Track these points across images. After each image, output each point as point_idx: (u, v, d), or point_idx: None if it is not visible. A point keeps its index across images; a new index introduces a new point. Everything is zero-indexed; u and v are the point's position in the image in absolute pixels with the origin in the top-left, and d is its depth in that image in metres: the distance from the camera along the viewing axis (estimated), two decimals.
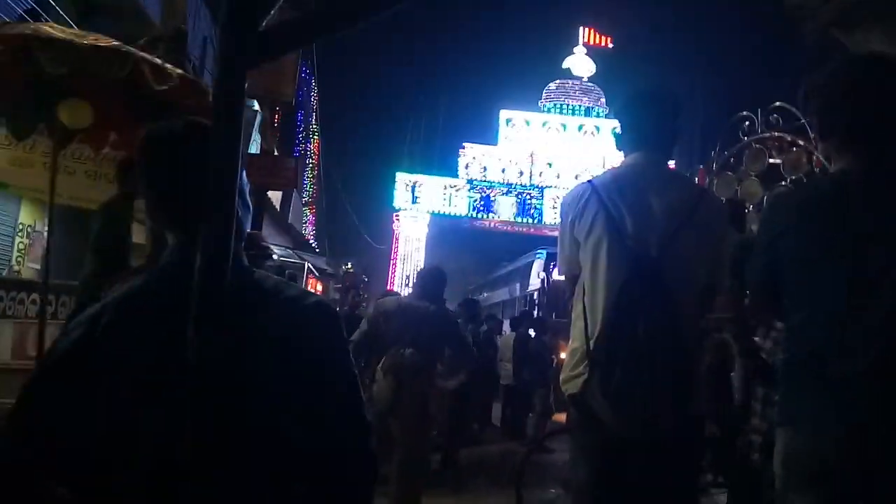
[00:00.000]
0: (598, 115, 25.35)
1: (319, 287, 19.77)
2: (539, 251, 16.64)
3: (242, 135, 1.06)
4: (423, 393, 4.11)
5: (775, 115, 5.77)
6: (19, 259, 9.31)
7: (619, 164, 2.32)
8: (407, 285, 22.10)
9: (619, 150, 2.34)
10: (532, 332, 9.41)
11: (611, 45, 27.60)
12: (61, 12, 9.36)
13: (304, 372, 1.12)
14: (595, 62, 26.85)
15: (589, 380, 2.04)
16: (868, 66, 1.83)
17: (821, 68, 1.92)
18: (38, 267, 9.59)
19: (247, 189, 1.31)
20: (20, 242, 9.30)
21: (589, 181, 2.26)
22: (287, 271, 9.72)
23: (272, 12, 1.05)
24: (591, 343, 2.06)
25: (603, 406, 2.02)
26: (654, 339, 1.98)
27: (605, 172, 2.38)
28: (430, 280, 4.54)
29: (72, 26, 9.29)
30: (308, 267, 16.52)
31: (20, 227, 9.29)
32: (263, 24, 1.05)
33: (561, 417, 8.06)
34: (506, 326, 11.29)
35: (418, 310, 4.29)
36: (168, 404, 1.03)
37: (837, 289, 1.65)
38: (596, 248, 2.11)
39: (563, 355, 6.22)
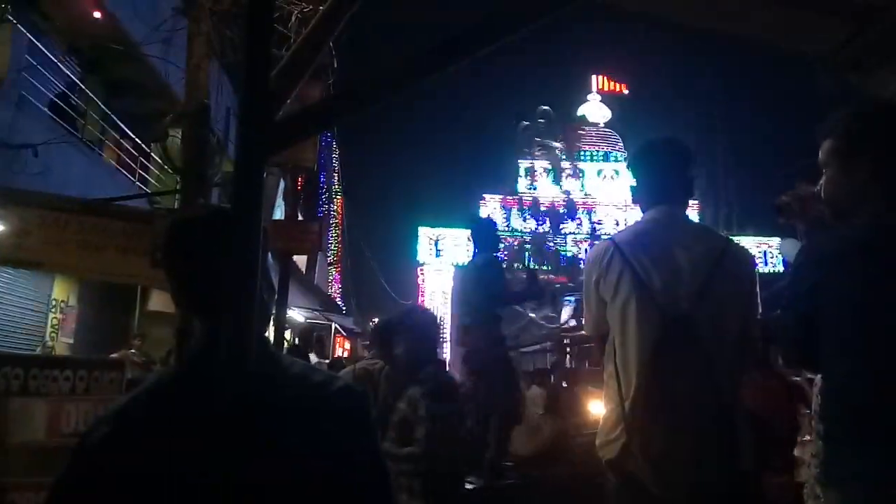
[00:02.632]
0: (616, 160, 25.45)
1: (347, 345, 19.72)
2: (567, 297, 16.40)
3: (261, 221, 1.07)
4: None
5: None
6: (53, 335, 9.47)
7: (639, 220, 2.30)
8: None
9: (636, 203, 2.32)
10: (564, 384, 9.22)
11: (626, 92, 27.87)
12: (90, 94, 9.75)
13: (331, 461, 1.09)
14: (611, 108, 27.09)
15: (628, 444, 1.97)
16: (889, 111, 1.81)
17: (837, 112, 1.89)
18: (71, 341, 9.75)
19: (271, 271, 1.31)
20: (53, 318, 9.47)
21: (610, 238, 2.23)
22: (315, 333, 9.71)
23: (288, 101, 1.07)
24: (627, 405, 2.00)
25: (645, 471, 1.95)
26: (692, 398, 1.92)
27: (625, 229, 2.36)
28: (384, 333, 4.18)
29: (101, 107, 9.60)
30: (335, 327, 16.54)
31: (53, 302, 9.48)
32: (280, 113, 1.08)
33: None
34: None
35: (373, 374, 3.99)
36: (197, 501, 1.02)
37: (886, 338, 1.60)
38: (624, 307, 2.07)
39: (591, 406, 6.04)
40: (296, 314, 13.66)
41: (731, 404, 1.98)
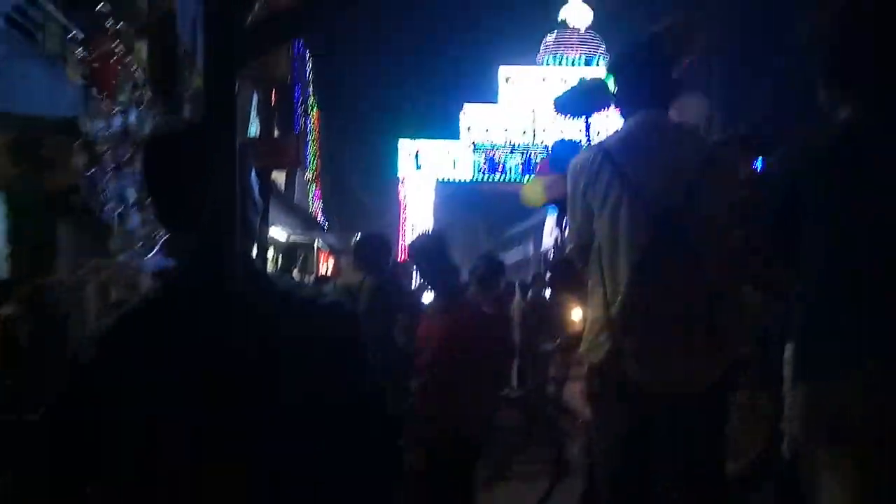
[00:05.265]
0: (598, 65, 24.94)
1: (331, 262, 19.80)
2: (550, 206, 16.44)
3: (237, 133, 1.03)
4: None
5: None
6: None
7: (622, 125, 2.27)
8: None
9: (617, 108, 2.28)
10: (547, 294, 9.33)
11: None
12: (45, 2, 9.21)
13: (321, 375, 1.10)
14: (592, 10, 26.27)
15: (616, 346, 2.03)
16: (866, 7, 1.75)
17: (821, 10, 1.84)
18: None
19: (255, 188, 1.28)
20: None
21: (597, 144, 2.21)
22: (298, 251, 9.70)
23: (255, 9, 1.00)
24: (613, 310, 2.04)
25: (638, 370, 2.02)
26: (683, 295, 1.99)
27: (610, 135, 2.33)
28: (366, 249, 4.21)
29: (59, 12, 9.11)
30: (318, 245, 16.54)
31: None
32: (248, 21, 1.01)
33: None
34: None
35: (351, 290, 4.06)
36: (184, 417, 1.03)
37: (859, 234, 1.62)
38: (614, 212, 2.08)
39: (572, 316, 6.14)
40: (277, 232, 13.60)
41: (719, 299, 2.04)
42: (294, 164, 7.65)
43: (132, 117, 4.30)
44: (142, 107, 4.43)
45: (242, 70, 5.25)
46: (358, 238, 4.67)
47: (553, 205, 3.39)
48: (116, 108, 4.22)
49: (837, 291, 1.64)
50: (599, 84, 3.26)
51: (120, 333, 1.12)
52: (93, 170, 3.85)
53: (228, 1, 0.94)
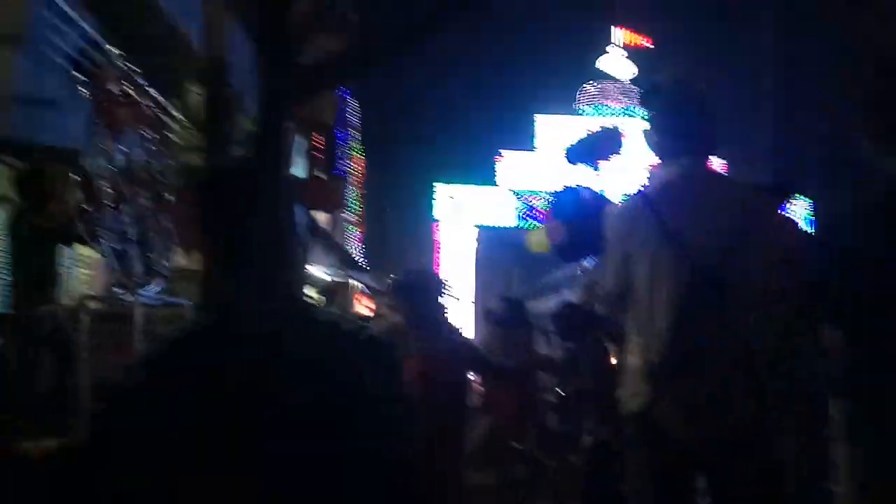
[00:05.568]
0: (638, 116, 24.99)
1: (369, 303, 19.90)
2: (554, 252, 16.29)
3: (284, 175, 1.07)
4: None
5: None
6: None
7: (661, 172, 2.27)
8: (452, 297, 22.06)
9: (657, 154, 2.25)
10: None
11: (650, 46, 27.19)
12: (111, 48, 9.71)
13: (353, 408, 1.12)
14: (634, 63, 26.49)
15: (656, 395, 2.01)
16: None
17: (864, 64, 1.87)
18: None
19: (301, 225, 1.32)
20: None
21: (638, 192, 2.22)
22: (337, 291, 9.81)
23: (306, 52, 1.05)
24: (653, 357, 2.02)
25: (677, 422, 1.98)
26: (722, 348, 1.96)
27: (650, 182, 2.33)
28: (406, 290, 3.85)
29: (118, 65, 9.58)
30: (356, 285, 16.69)
31: None
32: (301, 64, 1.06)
33: None
34: None
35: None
36: (224, 448, 1.04)
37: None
38: (654, 260, 2.07)
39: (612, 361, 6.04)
40: (318, 272, 13.79)
41: (756, 354, 2.01)
42: (337, 206, 7.82)
43: (137, 155, 4.47)
44: (149, 146, 4.61)
45: (294, 110, 5.42)
46: (399, 275, 4.03)
47: (557, 251, 3.32)
48: (121, 146, 4.40)
49: (889, 355, 1.60)
50: (609, 133, 3.27)
51: (165, 360, 1.16)
52: (92, 204, 3.99)
53: (282, 33, 0.99)
